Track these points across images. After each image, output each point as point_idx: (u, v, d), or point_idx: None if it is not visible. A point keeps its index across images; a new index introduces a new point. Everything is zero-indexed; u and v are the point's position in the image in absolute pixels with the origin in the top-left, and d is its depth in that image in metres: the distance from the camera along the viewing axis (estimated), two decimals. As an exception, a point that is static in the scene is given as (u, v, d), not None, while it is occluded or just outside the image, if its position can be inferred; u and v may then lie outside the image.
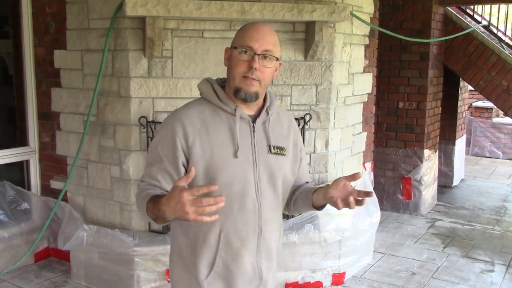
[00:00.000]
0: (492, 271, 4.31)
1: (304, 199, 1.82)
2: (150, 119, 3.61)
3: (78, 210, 3.99)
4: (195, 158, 1.65)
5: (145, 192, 1.63)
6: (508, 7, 6.67)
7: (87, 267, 3.76)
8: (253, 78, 1.66)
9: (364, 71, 4.49)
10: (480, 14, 6.64)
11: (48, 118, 4.24)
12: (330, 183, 3.06)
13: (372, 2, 4.48)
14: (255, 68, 1.64)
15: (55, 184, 4.22)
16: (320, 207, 1.79)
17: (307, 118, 3.85)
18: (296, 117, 3.74)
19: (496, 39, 6.32)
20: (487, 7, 6.60)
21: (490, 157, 9.29)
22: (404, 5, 5.67)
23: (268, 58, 1.67)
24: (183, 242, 1.75)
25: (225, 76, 1.77)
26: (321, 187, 1.77)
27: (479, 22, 6.36)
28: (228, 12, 3.40)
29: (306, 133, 3.88)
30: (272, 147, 1.75)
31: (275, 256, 1.85)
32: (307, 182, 1.95)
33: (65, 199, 4.07)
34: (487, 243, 4.96)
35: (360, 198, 1.60)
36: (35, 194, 4.32)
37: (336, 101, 4.01)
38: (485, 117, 9.51)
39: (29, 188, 4.35)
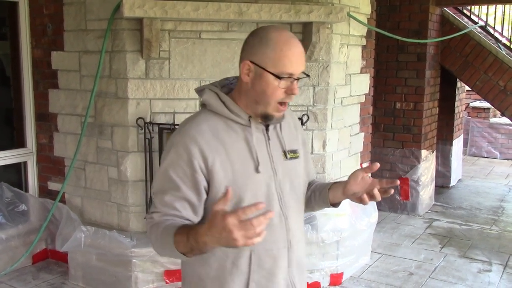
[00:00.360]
0: (490, 271, 4.32)
1: (319, 198, 1.74)
2: (148, 120, 3.61)
3: (76, 212, 3.99)
4: (217, 180, 1.49)
5: (163, 224, 1.45)
6: (504, 7, 6.69)
7: (85, 269, 3.76)
8: (288, 103, 1.56)
9: (361, 72, 4.50)
10: (477, 14, 6.66)
11: (46, 120, 4.24)
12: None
13: (369, 3, 4.49)
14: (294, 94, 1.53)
15: (52, 186, 4.22)
16: (337, 204, 1.73)
17: (305, 119, 3.85)
18: (294, 118, 3.74)
19: (493, 39, 6.34)
20: (484, 7, 6.62)
21: (488, 157, 9.31)
22: (401, 6, 5.68)
23: (301, 78, 1.54)
24: (203, 271, 1.59)
25: (222, 78, 1.68)
26: (336, 182, 1.70)
27: (476, 23, 6.37)
28: (226, 13, 3.40)
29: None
30: (287, 153, 1.64)
31: (304, 266, 1.77)
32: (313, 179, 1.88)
33: (62, 200, 4.07)
34: (485, 243, 4.97)
35: (386, 188, 1.55)
36: (33, 195, 4.32)
37: (334, 101, 4.02)
38: (482, 117, 9.54)
39: (26, 190, 4.35)
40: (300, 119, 3.82)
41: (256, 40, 1.53)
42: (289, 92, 1.51)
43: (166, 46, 3.57)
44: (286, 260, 1.63)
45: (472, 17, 6.54)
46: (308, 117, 3.87)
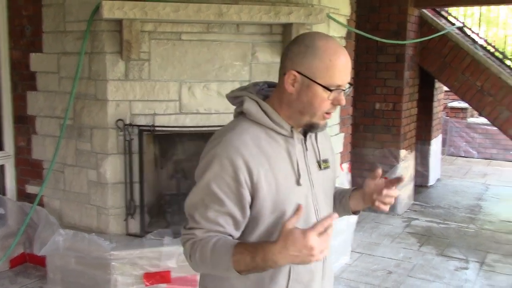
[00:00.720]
0: (467, 268, 4.39)
1: (339, 206, 1.74)
2: (127, 122, 3.59)
3: (55, 215, 3.94)
4: (261, 194, 1.43)
5: (210, 242, 1.40)
6: (481, 9, 6.81)
7: (64, 272, 3.72)
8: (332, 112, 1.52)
9: (341, 73, 4.52)
10: (455, 16, 6.76)
11: (24, 122, 4.18)
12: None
13: (349, 4, 4.52)
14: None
15: (31, 189, 4.16)
16: (357, 212, 1.75)
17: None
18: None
19: (470, 40, 6.44)
20: (462, 9, 6.72)
21: (465, 157, 9.45)
22: (380, 7, 5.74)
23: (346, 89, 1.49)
24: (239, 284, 1.52)
25: (250, 83, 1.61)
26: (355, 190, 1.72)
27: (453, 24, 6.47)
28: (206, 14, 3.40)
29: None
30: (321, 163, 1.61)
31: (333, 276, 1.75)
32: None
33: (41, 203, 4.01)
34: (462, 241, 5.05)
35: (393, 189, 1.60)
36: (11, 199, 4.25)
37: (314, 103, 4.03)
38: (460, 117, 9.68)
39: (4, 193, 4.28)
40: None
41: (301, 48, 1.45)
42: (336, 103, 1.47)
43: (146, 48, 3.56)
44: (321, 272, 1.61)
45: (450, 18, 6.64)
46: (288, 118, 3.89)
